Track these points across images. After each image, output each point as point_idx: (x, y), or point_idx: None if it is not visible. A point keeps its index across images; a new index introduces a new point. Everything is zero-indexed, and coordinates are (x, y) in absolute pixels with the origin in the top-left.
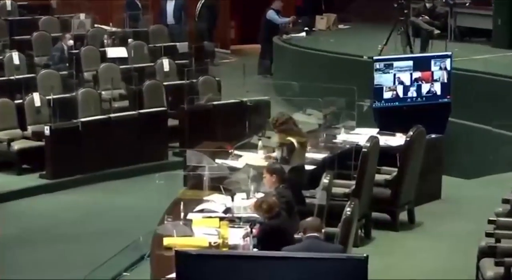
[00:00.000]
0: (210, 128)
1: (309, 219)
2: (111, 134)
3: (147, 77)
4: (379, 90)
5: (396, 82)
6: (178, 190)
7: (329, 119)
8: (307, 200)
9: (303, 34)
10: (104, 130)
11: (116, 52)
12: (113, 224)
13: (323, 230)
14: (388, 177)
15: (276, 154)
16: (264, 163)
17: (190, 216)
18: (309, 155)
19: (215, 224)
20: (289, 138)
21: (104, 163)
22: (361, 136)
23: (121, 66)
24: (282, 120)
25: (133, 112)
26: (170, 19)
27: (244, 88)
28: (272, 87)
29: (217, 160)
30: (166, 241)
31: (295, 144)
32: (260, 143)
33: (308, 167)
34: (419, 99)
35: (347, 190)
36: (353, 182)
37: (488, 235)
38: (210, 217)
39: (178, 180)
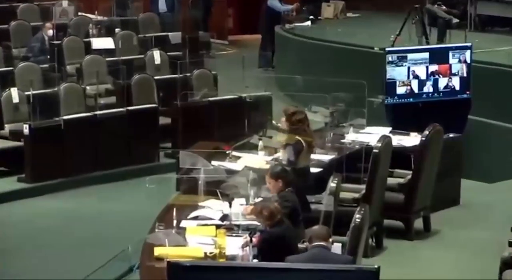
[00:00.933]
0: (205, 126)
1: (315, 227)
2: (96, 133)
3: (136, 70)
4: (392, 85)
5: (411, 76)
6: (171, 195)
7: (337, 117)
8: (313, 206)
9: (308, 23)
10: (88, 129)
11: (102, 43)
12: (99, 233)
13: (330, 239)
14: (401, 180)
15: (280, 155)
16: (266, 165)
17: (183, 223)
18: (314, 156)
19: (211, 233)
20: (296, 137)
21: (88, 165)
22: (372, 135)
23: (108, 59)
24: (299, 117)
25: (121, 109)
26: (161, 6)
27: (243, 82)
28: (274, 82)
29: (213, 162)
30: (157, 251)
31: (304, 144)
32: (260, 143)
33: (313, 170)
34: (435, 94)
35: (356, 195)
36: (363, 186)
37: None
38: (206, 224)
39: (170, 184)
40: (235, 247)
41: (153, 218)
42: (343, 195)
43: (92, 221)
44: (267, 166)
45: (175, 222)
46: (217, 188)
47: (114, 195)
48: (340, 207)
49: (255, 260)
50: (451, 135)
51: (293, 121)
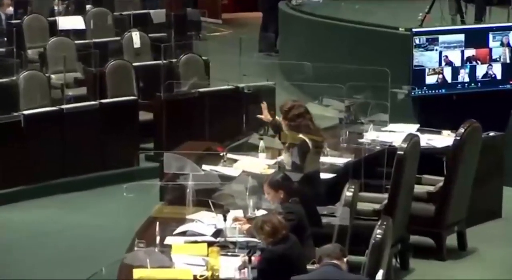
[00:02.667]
0: (195, 123)
1: (327, 245)
2: (63, 131)
3: (112, 55)
4: (420, 73)
5: (443, 63)
6: (153, 206)
7: (353, 111)
8: (324, 220)
9: None
10: (54, 127)
11: (70, 22)
12: (68, 250)
13: (345, 259)
14: (431, 188)
15: (283, 158)
16: (267, 170)
17: (168, 240)
18: (326, 159)
19: (202, 251)
20: (301, 136)
21: (54, 170)
22: (396, 134)
23: (77, 41)
24: (297, 111)
25: (93, 103)
26: None
27: (240, 70)
28: (278, 69)
29: (204, 166)
30: (137, 273)
31: (309, 144)
32: (261, 144)
33: (324, 176)
34: (472, 85)
35: (377, 206)
36: (385, 195)
37: None
38: (195, 241)
39: (152, 192)
40: (231, 268)
41: (132, 233)
42: (361, 206)
43: (59, 237)
44: (270, 171)
45: (158, 238)
46: (209, 198)
47: (85, 205)
48: (357, 220)
49: None
50: (491, 133)
51: (290, 117)
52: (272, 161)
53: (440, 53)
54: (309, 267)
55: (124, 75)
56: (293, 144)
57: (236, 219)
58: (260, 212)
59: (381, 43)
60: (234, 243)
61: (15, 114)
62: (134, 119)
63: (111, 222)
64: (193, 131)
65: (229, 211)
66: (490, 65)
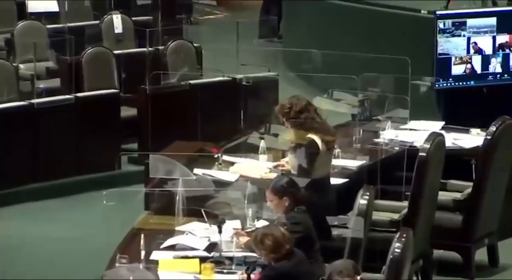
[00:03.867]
0: (185, 120)
1: (338, 261)
2: (34, 130)
3: (89, 42)
4: (445, 62)
5: (471, 50)
6: (137, 216)
7: (369, 106)
8: (335, 232)
9: None
10: (23, 124)
11: (41, 4)
12: (39, 268)
13: (359, 277)
14: (458, 196)
15: (288, 160)
16: (269, 174)
17: (155, 255)
18: (337, 162)
19: (194, 268)
20: (309, 135)
21: (24, 174)
22: (418, 133)
23: (49, 26)
24: (299, 107)
25: (68, 97)
26: None
27: (237, 59)
28: (281, 58)
29: (196, 170)
30: None
31: (319, 144)
32: (262, 144)
33: (335, 181)
34: (505, 76)
35: (395, 216)
36: (405, 203)
37: None
38: (186, 257)
39: (136, 200)
40: None
41: (113, 247)
42: (377, 216)
43: (29, 251)
44: (272, 176)
45: (143, 253)
46: (202, 207)
47: (58, 215)
48: (373, 232)
49: None
50: None
51: (291, 115)
52: (275, 164)
53: (468, 39)
54: None
55: (104, 65)
56: (300, 144)
57: (238, 235)
58: (260, 223)
59: (401, 27)
60: (230, 258)
61: None
62: (115, 115)
63: (89, 235)
64: (183, 130)
65: (224, 222)
66: None
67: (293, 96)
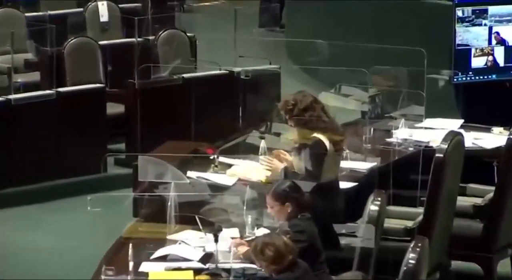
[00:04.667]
0: (178, 118)
1: (346, 273)
2: (11, 128)
3: (72, 32)
4: (464, 54)
5: (493, 41)
6: (125, 224)
7: (380, 103)
8: (343, 241)
9: None
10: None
11: None
12: (18, 278)
13: None
14: (479, 201)
15: (292, 161)
16: (270, 178)
17: (144, 266)
18: (346, 164)
19: None
20: (315, 135)
21: (0, 177)
22: (434, 132)
23: (28, 14)
24: (304, 104)
25: (49, 92)
26: None
27: (235, 50)
28: (284, 49)
29: (189, 173)
30: None
31: (327, 144)
32: (262, 144)
33: (343, 185)
34: None
35: (409, 224)
36: (420, 209)
37: None
38: (179, 268)
39: (123, 206)
40: None
41: (98, 258)
42: (390, 223)
43: (7, 261)
44: (273, 178)
45: (131, 264)
46: (196, 213)
47: (38, 222)
48: (384, 241)
49: None
50: None
51: (296, 114)
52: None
53: (490, 28)
54: None
55: (88, 57)
56: (306, 144)
57: (238, 244)
58: (260, 231)
59: (415, 16)
60: (227, 270)
61: None
62: (101, 112)
63: (72, 244)
64: (176, 128)
65: (221, 230)
66: None
67: (299, 92)
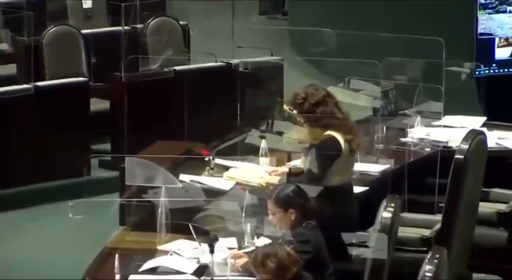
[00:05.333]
0: (169, 115)
1: None
2: None
3: (52, 20)
4: (487, 44)
5: None
6: (110, 232)
7: (394, 98)
8: (353, 252)
9: None
10: None
11: None
12: None
13: None
14: (503, 207)
15: (300, 163)
16: (272, 180)
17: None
18: (356, 166)
19: None
20: (329, 132)
21: None
22: (453, 130)
23: (3, 0)
24: (315, 99)
25: (26, 86)
26: None
27: (233, 40)
28: (287, 39)
29: (182, 176)
30: None
31: (341, 143)
32: (263, 144)
33: (354, 189)
34: None
35: (426, 233)
36: (438, 217)
37: None
38: None
39: (109, 213)
40: None
41: (81, 270)
42: (405, 232)
43: None
44: (274, 181)
45: (117, 277)
46: (190, 221)
47: (15, 231)
48: (398, 252)
49: None
50: None
51: (307, 109)
52: (271, 169)
53: None
54: None
55: (70, 48)
56: (315, 144)
57: (236, 256)
58: (261, 241)
59: (433, 1)
60: None
61: None
62: (84, 109)
63: (52, 255)
64: (167, 126)
65: (217, 240)
66: None
67: (310, 85)
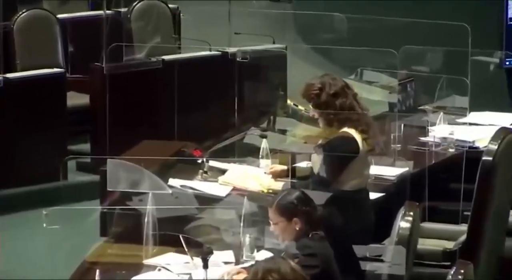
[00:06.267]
0: (157, 111)
1: None
2: None
3: (23, 3)
4: None
5: None
6: (90, 244)
7: (412, 92)
8: (366, 266)
9: None
10: None
11: None
12: None
13: None
14: None
15: (306, 164)
16: (274, 185)
17: None
18: (370, 169)
19: None
20: (346, 129)
21: None
22: (480, 128)
23: None
24: (334, 89)
25: None
26: None
27: (230, 26)
28: (292, 24)
29: (171, 181)
30: None
31: (359, 142)
32: (264, 144)
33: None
34: None
35: (450, 245)
36: (464, 227)
37: None
38: None
39: (88, 223)
40: None
41: None
42: (425, 244)
43: None
44: (277, 187)
45: None
46: (180, 232)
47: None
48: (418, 267)
49: None
50: None
51: (324, 100)
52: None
53: None
54: None
55: (44, 35)
56: (332, 140)
57: (233, 272)
58: (261, 255)
59: None
60: None
61: None
62: (60, 104)
63: (25, 268)
64: (154, 124)
65: (212, 253)
66: None
67: (326, 74)
